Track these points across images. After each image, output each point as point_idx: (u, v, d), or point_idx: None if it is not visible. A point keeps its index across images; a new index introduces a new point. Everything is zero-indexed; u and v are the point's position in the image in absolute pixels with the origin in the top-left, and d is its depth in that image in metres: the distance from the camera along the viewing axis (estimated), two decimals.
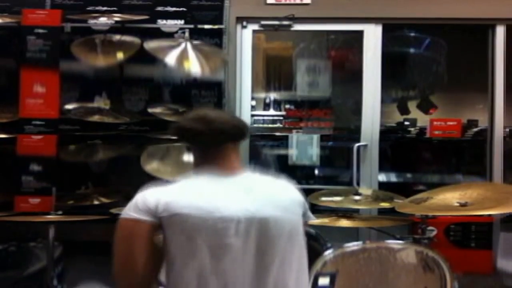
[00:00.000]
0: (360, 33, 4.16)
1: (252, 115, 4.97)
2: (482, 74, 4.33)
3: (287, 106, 5.54)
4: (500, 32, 4.09)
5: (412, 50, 5.71)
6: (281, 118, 5.36)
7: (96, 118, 3.50)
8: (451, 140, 5.50)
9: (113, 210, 2.91)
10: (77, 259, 3.24)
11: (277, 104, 5.65)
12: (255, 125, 5.23)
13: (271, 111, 5.60)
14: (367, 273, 1.98)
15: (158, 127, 3.64)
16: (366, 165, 4.11)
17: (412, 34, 5.49)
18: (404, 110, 6.13)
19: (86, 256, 3.12)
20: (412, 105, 6.08)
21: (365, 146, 4.10)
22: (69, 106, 3.62)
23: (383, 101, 4.33)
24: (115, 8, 3.96)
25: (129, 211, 1.45)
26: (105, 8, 3.97)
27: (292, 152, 4.47)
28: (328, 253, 2.10)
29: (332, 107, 4.91)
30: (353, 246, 2.18)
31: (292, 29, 4.12)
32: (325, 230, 2.49)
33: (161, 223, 1.43)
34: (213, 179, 1.53)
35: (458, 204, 2.27)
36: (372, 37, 4.12)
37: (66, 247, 3.28)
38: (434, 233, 2.45)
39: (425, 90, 5.88)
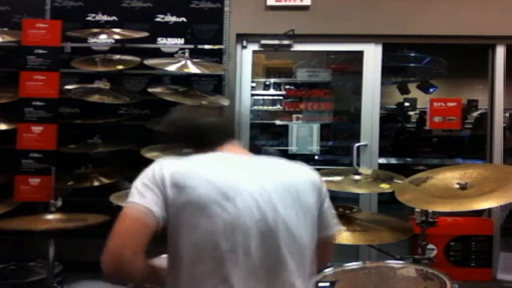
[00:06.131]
0: (360, 53, 4.14)
1: (252, 95, 4.94)
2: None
3: (287, 86, 5.53)
4: (501, 51, 4.12)
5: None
6: (281, 98, 5.42)
7: (96, 98, 3.43)
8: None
9: (113, 200, 2.78)
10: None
11: (277, 85, 5.65)
12: (254, 107, 5.23)
13: (271, 91, 5.60)
14: (367, 280, 2.00)
15: (158, 111, 3.61)
16: (367, 150, 4.13)
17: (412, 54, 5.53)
18: (404, 90, 6.27)
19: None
20: (412, 87, 6.21)
21: (365, 145, 4.11)
22: (69, 86, 3.59)
23: (383, 84, 4.34)
24: (115, 18, 3.98)
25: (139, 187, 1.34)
26: (105, 17, 3.99)
27: (292, 148, 4.44)
28: (328, 270, 2.11)
29: (331, 88, 4.90)
30: (353, 265, 2.18)
31: (292, 49, 4.09)
32: None
33: (170, 210, 1.30)
34: (224, 158, 1.45)
35: (458, 186, 2.24)
36: (372, 57, 4.11)
37: (66, 266, 3.18)
38: (434, 253, 2.43)
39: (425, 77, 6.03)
